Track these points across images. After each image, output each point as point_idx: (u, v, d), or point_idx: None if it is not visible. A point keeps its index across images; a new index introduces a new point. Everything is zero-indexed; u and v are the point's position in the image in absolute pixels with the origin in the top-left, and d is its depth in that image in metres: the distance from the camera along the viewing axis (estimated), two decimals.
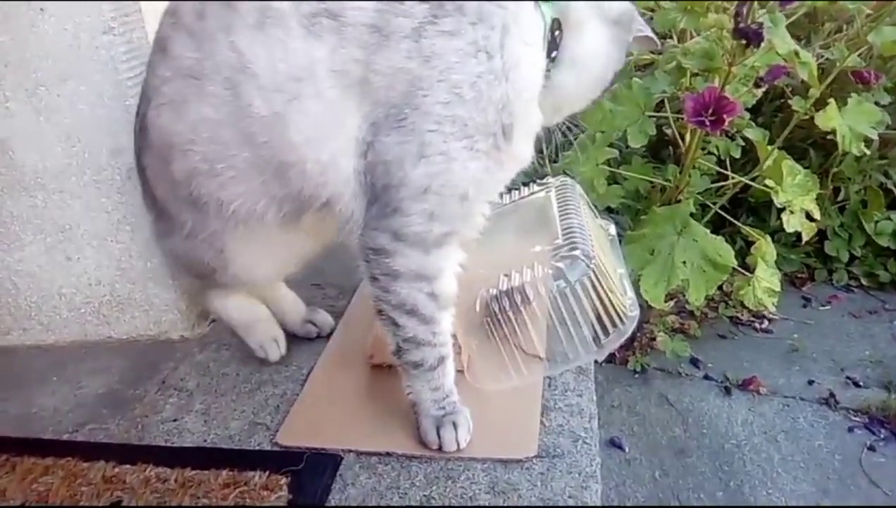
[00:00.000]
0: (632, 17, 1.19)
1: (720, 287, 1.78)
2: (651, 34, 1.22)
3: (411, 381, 1.19)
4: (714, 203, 1.94)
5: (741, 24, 1.45)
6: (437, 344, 1.16)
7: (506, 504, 1.08)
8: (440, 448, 1.18)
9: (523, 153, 1.16)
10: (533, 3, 1.09)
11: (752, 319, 2.22)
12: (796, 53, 1.55)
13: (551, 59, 1.12)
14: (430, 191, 1.06)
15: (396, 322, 1.14)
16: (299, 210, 1.15)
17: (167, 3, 1.22)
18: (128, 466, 1.21)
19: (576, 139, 1.61)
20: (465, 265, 1.19)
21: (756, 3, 1.47)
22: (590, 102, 1.24)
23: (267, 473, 1.16)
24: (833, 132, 1.69)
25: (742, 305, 1.99)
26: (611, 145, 1.80)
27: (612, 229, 1.47)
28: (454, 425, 1.18)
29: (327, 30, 1.03)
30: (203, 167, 1.14)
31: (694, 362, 2.06)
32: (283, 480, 1.14)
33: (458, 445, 1.18)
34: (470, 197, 1.10)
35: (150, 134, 1.18)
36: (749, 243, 1.84)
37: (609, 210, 1.96)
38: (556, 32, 1.11)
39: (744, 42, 1.46)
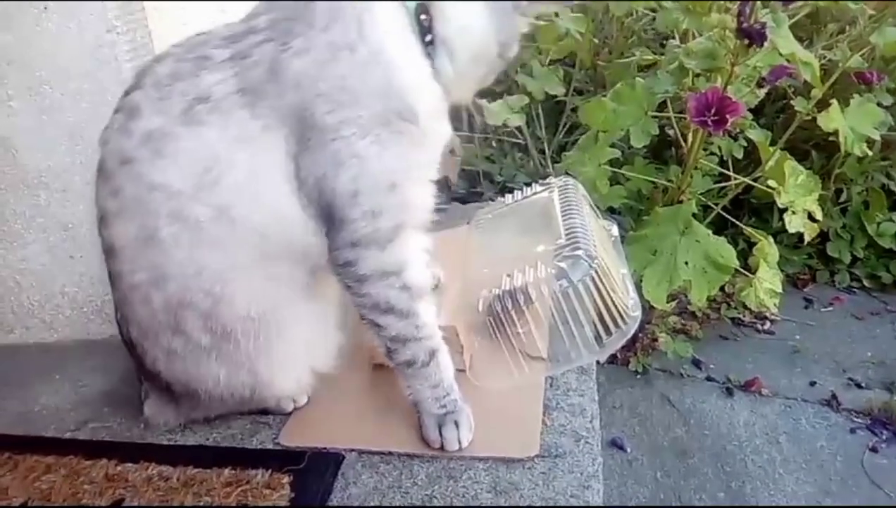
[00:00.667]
0: None
1: (722, 288, 1.78)
2: None
3: (409, 381, 1.20)
4: (716, 204, 1.94)
5: (744, 24, 1.45)
6: (422, 338, 1.17)
7: (508, 504, 1.08)
8: (442, 448, 1.18)
9: (437, 131, 1.18)
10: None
11: (754, 320, 2.22)
12: (798, 54, 1.55)
13: (429, 44, 1.13)
14: (359, 193, 1.10)
15: (377, 323, 1.16)
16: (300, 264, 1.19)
17: (169, 3, 1.23)
18: (130, 464, 1.21)
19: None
20: (431, 250, 1.22)
21: (759, 3, 1.47)
22: (485, 76, 1.22)
23: (269, 472, 1.16)
24: (835, 133, 1.69)
25: (744, 306, 2.00)
26: (613, 146, 1.80)
27: (615, 230, 1.46)
28: (456, 424, 1.18)
29: (206, 113, 1.10)
30: (199, 297, 1.15)
31: (696, 363, 2.06)
32: (286, 479, 1.14)
33: (461, 444, 1.18)
34: (399, 184, 1.13)
35: (135, 306, 1.19)
36: (751, 244, 1.84)
37: (611, 210, 1.96)
38: (423, 17, 1.12)
39: (747, 42, 1.46)
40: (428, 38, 1.12)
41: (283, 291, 1.20)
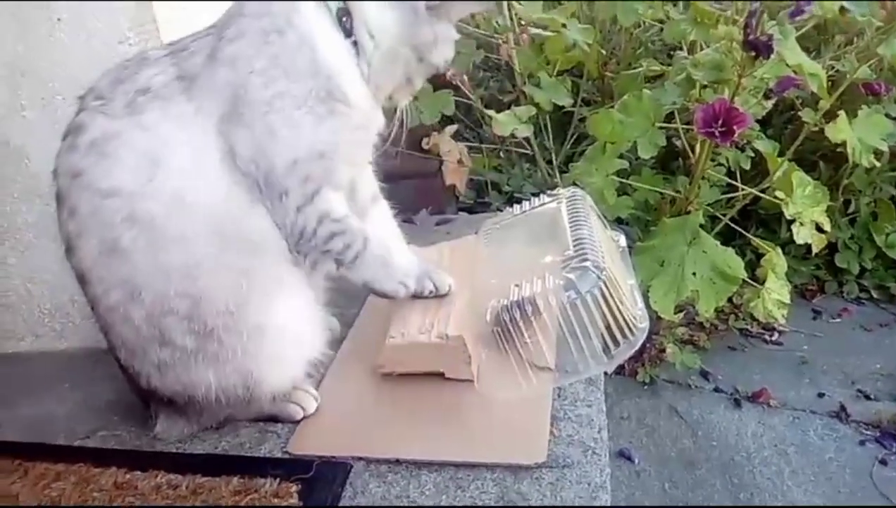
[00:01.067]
0: None
1: (730, 299, 1.78)
2: None
3: (358, 271, 1.33)
4: (723, 215, 1.94)
5: (751, 36, 1.45)
6: (356, 234, 1.30)
7: None
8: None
9: (369, 115, 1.29)
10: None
11: (762, 331, 2.21)
12: (805, 65, 1.55)
13: (354, 44, 1.23)
14: (297, 162, 1.21)
15: (327, 249, 1.28)
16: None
17: (181, 13, 1.25)
18: (139, 472, 1.21)
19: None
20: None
21: (765, 14, 1.47)
22: (408, 77, 1.30)
23: (277, 480, 1.16)
24: (843, 144, 1.69)
25: (752, 317, 1.99)
26: (620, 156, 1.80)
27: (623, 241, 1.47)
28: (429, 277, 1.38)
29: (147, 102, 1.17)
30: (176, 302, 1.17)
31: (703, 374, 2.05)
32: (294, 488, 1.15)
33: (438, 289, 1.38)
34: (326, 155, 1.23)
35: (116, 328, 1.22)
36: (759, 255, 1.83)
37: (619, 221, 1.96)
38: (344, 19, 1.22)
39: (754, 54, 1.46)
40: (351, 38, 1.23)
41: (258, 281, 1.22)
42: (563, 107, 2.25)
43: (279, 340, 1.27)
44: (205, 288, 1.18)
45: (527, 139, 2.22)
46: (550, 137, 2.37)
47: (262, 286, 1.24)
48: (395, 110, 1.34)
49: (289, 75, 1.19)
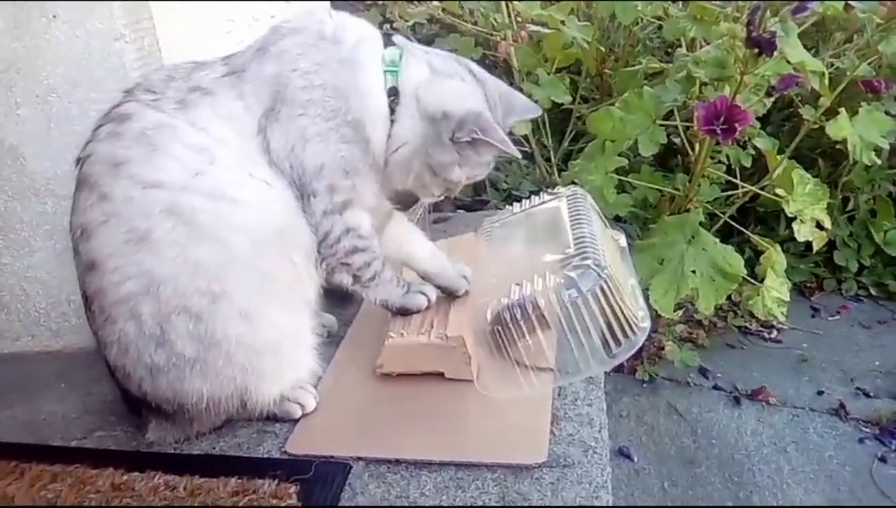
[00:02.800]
0: (461, 122, 1.25)
1: (729, 297, 1.77)
2: (507, 149, 1.27)
3: (376, 292, 1.39)
4: (723, 212, 1.94)
5: (754, 33, 1.44)
6: (378, 255, 1.36)
7: None
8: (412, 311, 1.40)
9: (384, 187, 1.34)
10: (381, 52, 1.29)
11: (761, 328, 2.21)
12: (807, 63, 1.55)
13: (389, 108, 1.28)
14: (324, 168, 1.25)
15: (347, 263, 1.33)
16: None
17: (178, 12, 1.25)
18: (136, 473, 1.20)
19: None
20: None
21: (768, 11, 1.46)
22: (401, 184, 1.35)
23: (276, 481, 1.16)
24: (843, 142, 1.68)
25: (751, 314, 1.99)
26: (619, 154, 1.80)
27: (623, 240, 1.46)
28: (419, 292, 1.41)
29: (199, 97, 1.22)
30: (194, 300, 1.17)
31: (703, 371, 2.05)
32: (293, 488, 1.14)
33: (430, 300, 1.40)
34: (351, 173, 1.28)
35: (118, 324, 1.20)
36: (757, 253, 1.83)
37: (617, 219, 1.95)
38: (392, 98, 1.27)
39: (757, 51, 1.46)
40: (390, 100, 1.27)
41: (279, 290, 1.25)
42: (561, 104, 2.24)
43: (282, 354, 1.28)
44: (228, 287, 1.18)
45: (525, 137, 2.21)
46: (549, 134, 2.36)
47: (282, 298, 1.26)
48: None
49: (326, 87, 1.23)
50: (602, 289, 1.15)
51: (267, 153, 1.23)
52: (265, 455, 1.24)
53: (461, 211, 2.42)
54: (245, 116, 1.22)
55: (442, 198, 1.40)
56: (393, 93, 1.27)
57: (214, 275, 1.17)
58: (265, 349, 1.23)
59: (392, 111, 1.27)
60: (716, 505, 1.63)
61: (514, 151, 1.27)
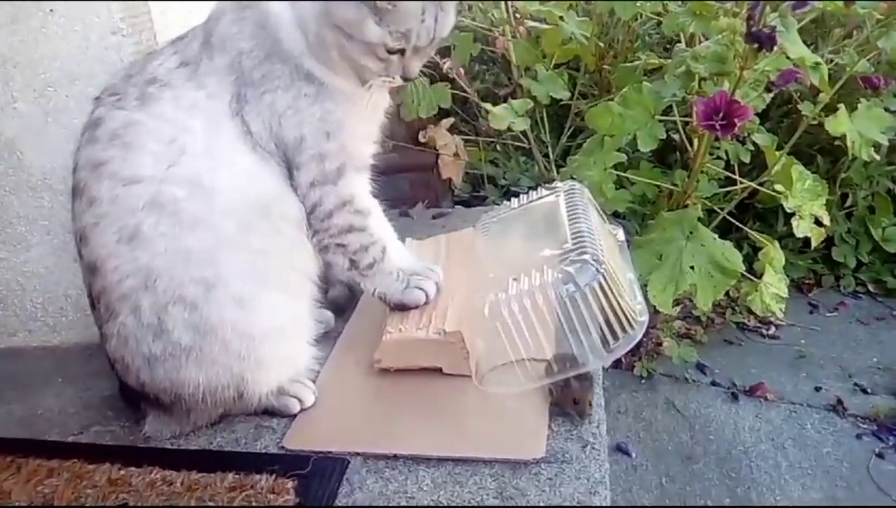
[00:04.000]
0: None
1: (727, 293, 1.77)
2: None
3: (374, 281, 1.37)
4: (721, 208, 1.93)
5: (754, 28, 1.44)
6: (375, 240, 1.34)
7: None
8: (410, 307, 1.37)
9: (343, 90, 1.24)
10: None
11: (759, 325, 2.21)
12: (807, 58, 1.54)
13: None
14: (304, 139, 1.23)
15: (342, 243, 1.31)
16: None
17: (175, 4, 1.25)
18: (133, 468, 1.20)
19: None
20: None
21: (768, 7, 1.46)
22: (330, 62, 1.22)
23: (273, 476, 1.15)
24: (842, 138, 1.68)
25: (749, 311, 1.99)
26: (618, 150, 1.79)
27: (621, 234, 1.46)
28: (418, 288, 1.38)
29: (157, 91, 1.20)
30: (189, 289, 1.18)
31: (700, 368, 2.05)
32: (290, 483, 1.14)
33: (428, 296, 1.37)
34: (332, 133, 1.25)
35: (119, 319, 1.20)
36: (756, 249, 1.83)
37: (616, 215, 1.95)
38: None
39: (756, 46, 1.45)
40: None
41: (272, 270, 1.25)
42: (560, 100, 2.24)
43: (279, 343, 1.28)
44: (222, 273, 1.19)
45: (523, 133, 2.20)
46: (547, 130, 2.36)
47: (275, 279, 1.26)
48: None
49: (270, 57, 1.21)
50: (600, 284, 1.14)
51: (249, 136, 1.22)
52: (263, 451, 1.24)
53: (459, 207, 2.42)
54: (209, 103, 1.21)
55: (395, 78, 1.23)
56: None
57: (206, 261, 1.18)
58: (262, 336, 1.24)
59: None
60: (715, 505, 1.63)
61: None
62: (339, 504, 1.11)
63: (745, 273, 1.70)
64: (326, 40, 1.19)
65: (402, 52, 1.19)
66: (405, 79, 1.25)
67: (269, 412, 1.31)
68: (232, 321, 1.20)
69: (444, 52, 2.12)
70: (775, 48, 1.46)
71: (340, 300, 1.57)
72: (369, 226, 1.33)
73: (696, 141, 1.79)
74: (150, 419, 1.29)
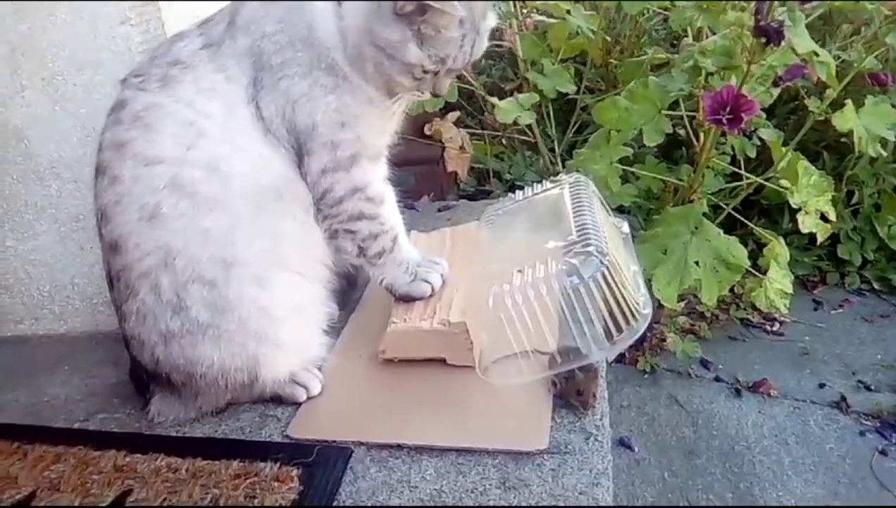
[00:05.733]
0: None
1: (731, 289, 1.77)
2: (453, 10, 1.14)
3: (381, 270, 1.37)
4: (726, 204, 1.93)
5: (762, 22, 1.44)
6: (387, 230, 1.34)
7: (517, 500, 1.07)
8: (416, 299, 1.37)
9: (367, 92, 1.24)
10: None
11: (763, 321, 2.21)
12: (816, 53, 1.54)
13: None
14: (316, 126, 1.22)
15: (352, 230, 1.31)
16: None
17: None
18: (139, 455, 1.21)
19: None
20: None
21: (776, 1, 1.46)
22: (363, 73, 1.23)
23: (278, 465, 1.16)
24: (848, 134, 1.68)
25: (753, 307, 1.98)
26: (625, 144, 1.79)
27: (625, 227, 1.45)
28: (425, 281, 1.38)
29: (179, 73, 1.21)
30: (207, 268, 1.20)
31: (704, 363, 2.05)
32: (295, 472, 1.14)
33: (434, 288, 1.37)
34: (347, 123, 1.24)
35: (139, 296, 1.22)
36: (761, 246, 1.82)
37: (620, 209, 1.95)
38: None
39: (764, 40, 1.45)
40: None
41: (287, 250, 1.27)
42: (566, 95, 2.24)
43: (297, 325, 1.30)
44: (239, 253, 1.21)
45: (529, 127, 2.20)
46: (553, 125, 2.36)
47: (290, 261, 1.28)
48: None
49: (292, 42, 1.20)
50: (604, 276, 1.14)
51: (261, 121, 1.22)
52: (267, 439, 1.25)
53: (464, 200, 2.42)
54: (228, 87, 1.21)
55: (424, 93, 1.25)
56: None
57: (224, 241, 1.20)
58: (282, 315, 1.26)
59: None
60: (719, 506, 1.62)
61: (460, 11, 1.14)
62: (343, 493, 1.11)
63: (749, 269, 1.70)
64: (365, 54, 1.20)
65: (436, 72, 1.21)
66: (434, 95, 1.27)
67: (276, 400, 1.31)
68: (251, 298, 1.22)
69: None
70: (783, 43, 1.45)
71: (338, 293, 1.57)
72: (381, 214, 1.33)
73: (702, 136, 1.79)
74: (157, 400, 1.30)
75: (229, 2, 1.27)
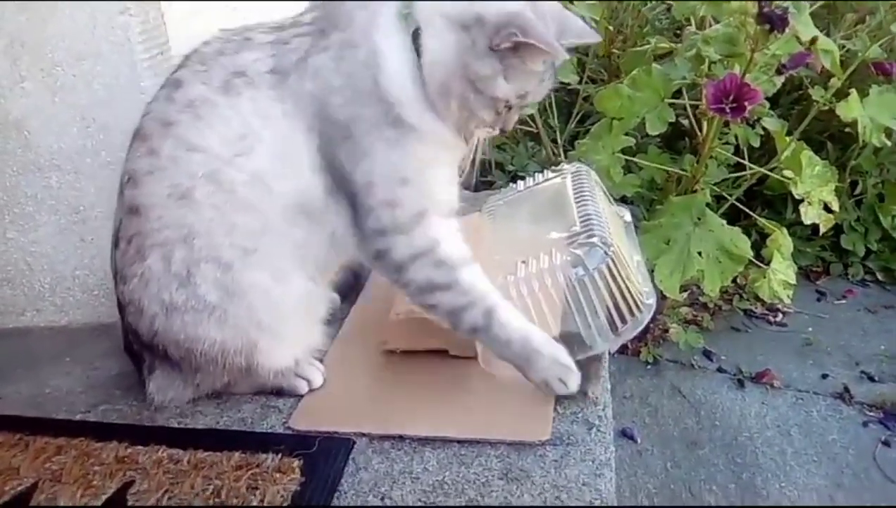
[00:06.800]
0: (498, 24, 1.10)
1: (734, 280, 1.77)
2: (555, 52, 1.11)
3: (489, 346, 1.21)
4: (730, 195, 1.92)
5: (765, 9, 1.43)
6: (473, 301, 1.18)
7: (519, 491, 1.07)
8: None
9: (441, 137, 1.19)
10: (394, 9, 1.17)
11: (766, 312, 2.21)
12: (814, 40, 1.53)
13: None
14: (373, 185, 1.17)
15: (428, 303, 1.21)
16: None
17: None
18: (140, 446, 1.20)
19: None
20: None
21: None
22: (449, 118, 1.18)
23: (279, 456, 1.15)
24: (852, 124, 1.67)
25: (756, 298, 1.98)
26: (626, 134, 1.78)
27: (628, 216, 1.45)
28: (560, 380, 1.18)
29: (242, 86, 1.18)
30: (227, 252, 1.19)
31: (707, 354, 2.05)
32: (296, 463, 1.14)
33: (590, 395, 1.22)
34: (410, 179, 1.18)
35: (146, 262, 1.21)
36: (764, 236, 1.82)
37: (623, 199, 1.94)
38: (416, 41, 1.15)
39: (768, 27, 1.44)
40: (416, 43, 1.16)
41: (306, 255, 1.25)
42: (568, 85, 2.23)
43: (300, 324, 1.29)
44: (261, 248, 1.21)
45: (531, 117, 2.19)
46: (555, 115, 2.35)
47: (309, 268, 1.26)
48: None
49: (360, 97, 1.16)
50: (608, 267, 1.14)
51: (322, 171, 1.19)
52: (269, 430, 1.24)
53: (466, 191, 2.41)
54: (283, 121, 1.18)
55: (497, 131, 1.24)
56: (415, 36, 1.15)
57: (248, 237, 1.20)
58: (289, 312, 1.25)
59: (418, 53, 1.15)
60: (720, 506, 1.62)
61: (563, 54, 1.12)
62: (345, 484, 1.11)
63: (752, 260, 1.70)
64: (453, 90, 1.15)
65: (510, 107, 1.19)
66: (502, 132, 1.25)
67: (278, 393, 1.31)
68: (264, 288, 1.21)
69: None
70: (787, 30, 1.44)
71: (344, 285, 1.57)
72: (459, 281, 1.19)
73: (705, 125, 1.78)
74: (157, 376, 1.29)
75: (306, 25, 1.21)
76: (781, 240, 1.72)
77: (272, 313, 1.23)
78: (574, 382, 1.18)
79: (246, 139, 1.18)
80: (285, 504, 1.07)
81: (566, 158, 2.20)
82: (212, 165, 1.18)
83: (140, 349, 1.29)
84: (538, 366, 1.18)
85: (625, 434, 1.79)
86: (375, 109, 1.16)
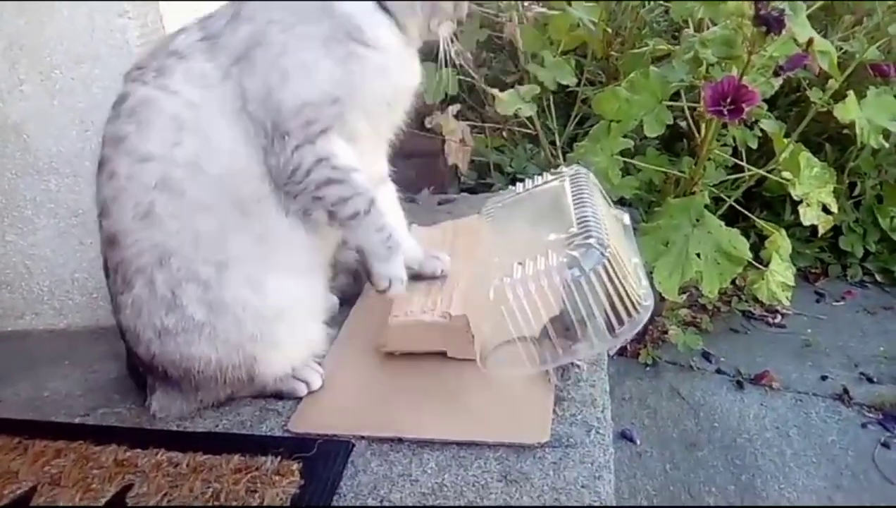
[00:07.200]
0: None
1: (733, 281, 1.76)
2: None
3: (355, 233, 1.28)
4: (728, 196, 1.92)
5: (762, 11, 1.43)
6: (360, 192, 1.24)
7: (518, 493, 1.07)
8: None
9: (401, 58, 1.24)
10: None
11: (765, 313, 2.21)
12: (811, 42, 1.53)
13: None
14: (305, 105, 1.18)
15: (320, 196, 1.23)
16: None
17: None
18: (139, 450, 1.21)
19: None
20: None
21: None
22: (411, 16, 1.24)
23: (279, 459, 1.16)
24: (850, 125, 1.67)
25: (755, 299, 1.98)
26: (625, 136, 1.78)
27: (626, 218, 1.45)
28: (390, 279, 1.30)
29: (174, 63, 1.19)
30: (202, 269, 1.20)
31: (706, 355, 2.05)
32: (295, 466, 1.14)
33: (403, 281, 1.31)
34: (341, 99, 1.20)
35: (134, 290, 1.22)
36: (762, 238, 1.82)
37: (621, 201, 1.94)
38: None
39: (764, 29, 1.44)
40: None
41: (270, 249, 1.25)
42: (567, 87, 2.23)
43: (291, 325, 1.28)
44: (231, 256, 1.21)
45: (530, 119, 2.20)
46: (554, 117, 2.35)
47: (282, 262, 1.26)
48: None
49: (305, 20, 1.18)
50: (605, 268, 1.14)
51: (240, 100, 1.19)
52: (268, 433, 1.24)
53: (465, 194, 2.42)
54: (213, 71, 1.19)
55: (456, 24, 1.29)
56: None
57: (216, 244, 1.20)
58: (275, 317, 1.25)
59: None
60: (729, 506, 1.62)
61: None
62: (344, 487, 1.11)
63: (751, 261, 1.70)
64: None
65: None
66: (460, 23, 1.30)
67: (276, 396, 1.31)
68: (244, 301, 1.22)
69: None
70: (784, 32, 1.45)
71: (344, 290, 1.57)
72: (350, 180, 1.24)
73: (703, 127, 1.78)
74: (158, 395, 1.30)
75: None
76: (780, 241, 1.72)
77: (260, 323, 1.23)
78: (398, 288, 1.30)
79: (178, 118, 1.18)
80: (284, 507, 1.07)
81: (565, 160, 2.20)
82: (161, 171, 1.18)
83: (143, 371, 1.30)
84: (390, 261, 1.29)
85: (624, 436, 1.79)
86: (324, 24, 1.18)
